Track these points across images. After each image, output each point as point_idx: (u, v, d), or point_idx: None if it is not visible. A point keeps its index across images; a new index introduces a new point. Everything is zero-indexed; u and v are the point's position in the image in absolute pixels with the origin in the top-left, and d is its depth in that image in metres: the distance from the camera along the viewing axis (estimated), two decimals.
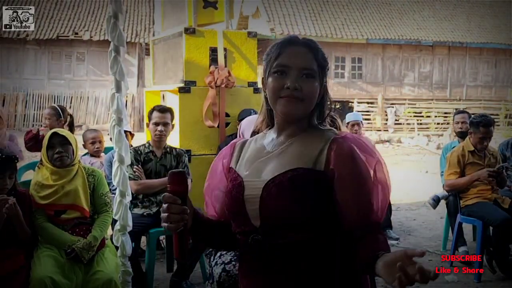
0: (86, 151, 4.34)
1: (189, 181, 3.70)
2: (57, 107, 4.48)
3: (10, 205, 2.57)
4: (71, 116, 4.52)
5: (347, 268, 1.33)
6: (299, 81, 1.35)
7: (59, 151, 2.81)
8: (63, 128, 4.10)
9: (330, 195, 1.32)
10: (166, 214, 1.29)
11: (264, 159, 1.41)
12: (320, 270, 1.32)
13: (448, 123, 17.18)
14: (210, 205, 1.53)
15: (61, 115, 4.35)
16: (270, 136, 1.46)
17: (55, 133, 2.87)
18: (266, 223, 1.34)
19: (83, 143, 4.29)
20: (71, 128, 4.35)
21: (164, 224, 1.30)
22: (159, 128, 3.62)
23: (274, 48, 1.40)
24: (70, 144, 2.85)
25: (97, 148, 4.25)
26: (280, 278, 1.34)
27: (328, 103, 1.45)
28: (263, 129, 1.51)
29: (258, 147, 1.47)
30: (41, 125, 4.62)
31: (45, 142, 2.86)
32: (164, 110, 3.69)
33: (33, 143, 4.22)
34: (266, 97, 1.41)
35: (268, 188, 1.34)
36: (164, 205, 1.30)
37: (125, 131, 4.10)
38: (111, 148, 3.70)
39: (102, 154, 4.33)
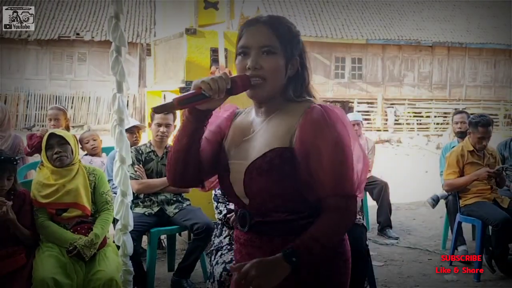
0: (84, 152, 4.36)
1: None
2: (61, 107, 4.51)
3: (3, 212, 2.56)
4: None
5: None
6: (259, 59, 1.35)
7: (57, 151, 2.82)
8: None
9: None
10: (220, 79, 1.29)
11: (249, 139, 1.42)
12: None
13: (447, 123, 17.17)
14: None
15: (66, 114, 4.37)
16: (252, 114, 1.47)
17: (52, 134, 2.87)
18: (253, 202, 1.39)
19: (80, 146, 4.30)
20: (67, 128, 4.36)
21: (206, 81, 1.28)
22: (161, 129, 3.63)
23: (239, 31, 1.42)
24: (69, 144, 2.85)
25: (92, 145, 4.27)
26: (257, 253, 1.37)
27: (306, 76, 1.42)
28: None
29: (244, 124, 1.47)
30: (42, 126, 4.60)
31: (43, 143, 2.87)
32: None
33: (35, 149, 4.02)
34: None
35: (249, 172, 1.36)
36: (223, 75, 1.30)
37: (134, 126, 4.14)
38: (113, 148, 3.70)
39: (103, 154, 4.35)
